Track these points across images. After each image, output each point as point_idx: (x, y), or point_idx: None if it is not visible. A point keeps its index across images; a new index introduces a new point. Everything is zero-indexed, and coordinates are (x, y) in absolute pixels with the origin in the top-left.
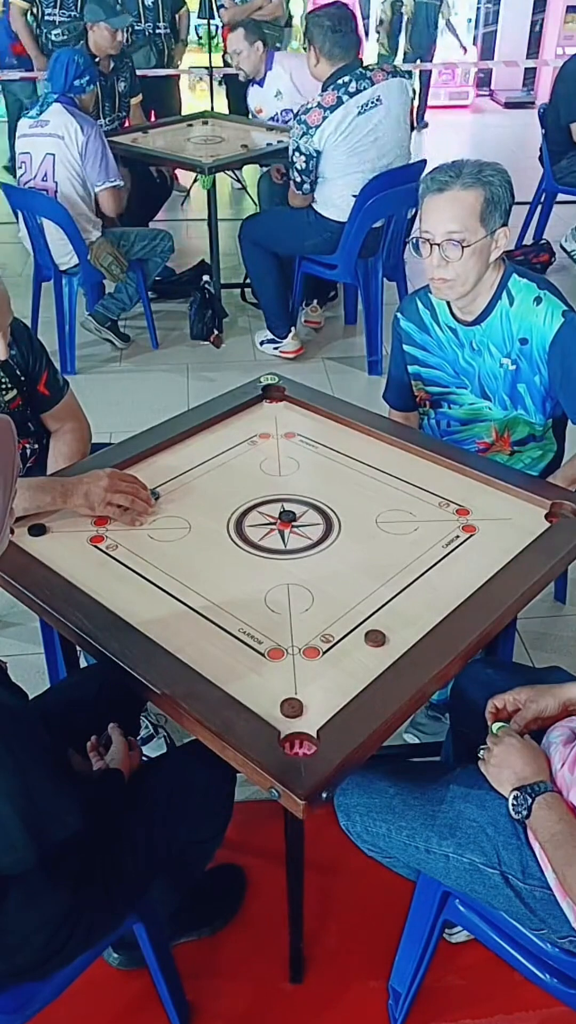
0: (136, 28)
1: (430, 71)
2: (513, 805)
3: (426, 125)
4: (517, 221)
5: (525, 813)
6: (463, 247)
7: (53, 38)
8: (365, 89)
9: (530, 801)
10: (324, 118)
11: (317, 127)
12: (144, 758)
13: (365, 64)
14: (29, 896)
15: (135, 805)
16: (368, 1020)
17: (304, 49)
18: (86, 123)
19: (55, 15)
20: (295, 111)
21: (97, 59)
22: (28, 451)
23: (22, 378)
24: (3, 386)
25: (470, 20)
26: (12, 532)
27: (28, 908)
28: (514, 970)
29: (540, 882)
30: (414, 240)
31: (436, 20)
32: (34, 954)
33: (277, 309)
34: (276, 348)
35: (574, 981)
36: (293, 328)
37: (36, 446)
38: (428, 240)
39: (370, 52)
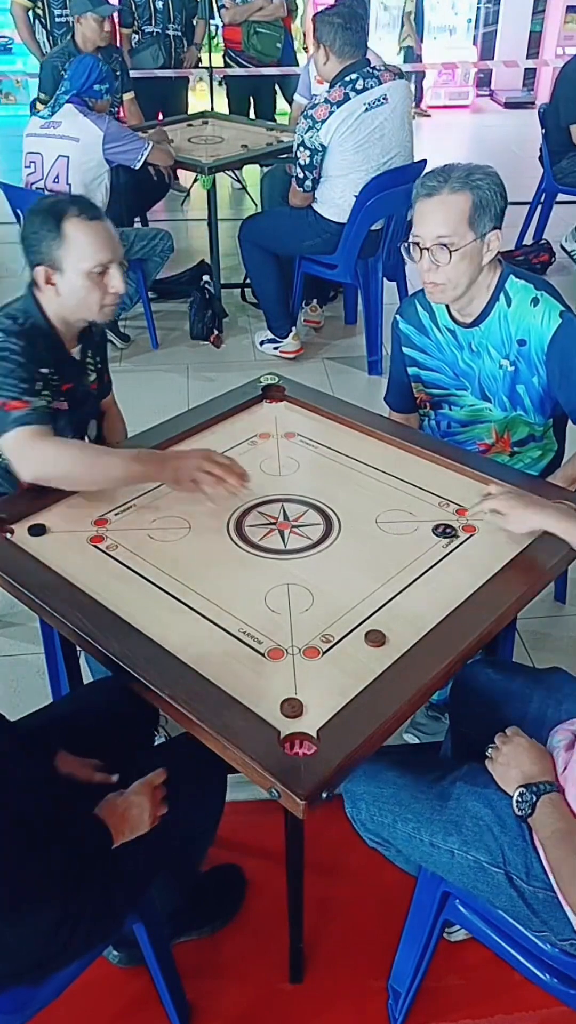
0: (146, 31)
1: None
2: (518, 802)
3: (427, 115)
4: (517, 221)
5: (528, 810)
6: (451, 251)
7: None
8: (372, 87)
9: (534, 799)
10: (330, 113)
11: (323, 121)
12: None
13: (373, 65)
14: (15, 911)
15: None
16: (368, 1020)
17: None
18: (98, 119)
19: (65, 16)
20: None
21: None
22: (93, 432)
23: (99, 365)
24: (90, 368)
25: (470, 20)
26: (12, 533)
27: (16, 923)
28: (514, 970)
29: (544, 884)
30: (406, 245)
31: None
32: (30, 959)
33: (277, 309)
34: (276, 348)
35: (574, 981)
36: (293, 328)
37: (98, 428)
38: (418, 244)
39: (383, 49)
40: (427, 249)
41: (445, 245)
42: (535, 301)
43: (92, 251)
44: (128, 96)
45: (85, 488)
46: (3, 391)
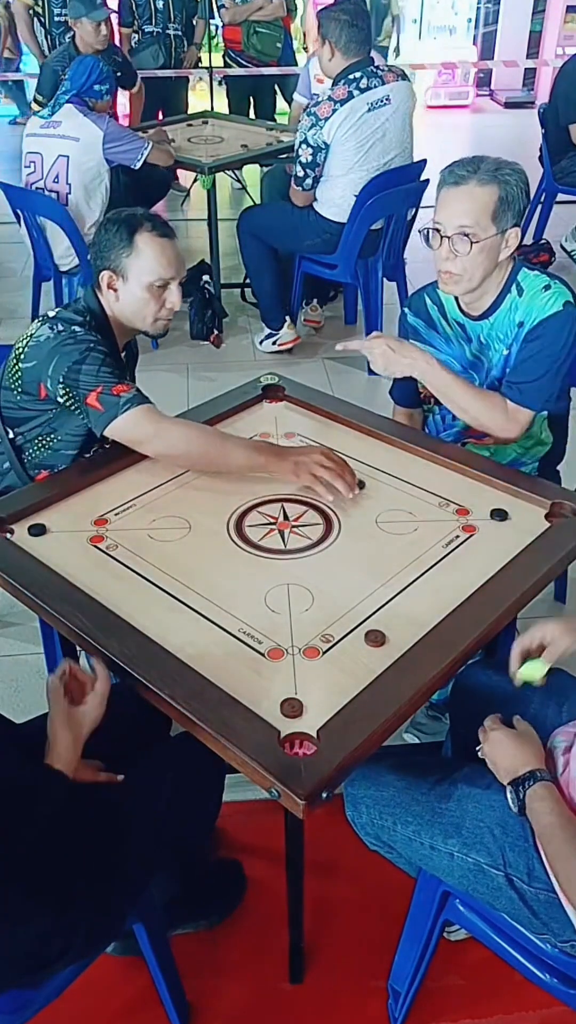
0: (146, 30)
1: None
2: (512, 800)
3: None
4: None
5: (519, 807)
6: (472, 242)
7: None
8: (376, 87)
9: (522, 794)
10: (334, 111)
11: (327, 119)
12: None
13: (377, 64)
14: (5, 917)
15: (131, 804)
16: (368, 1020)
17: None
18: (98, 119)
19: (64, 15)
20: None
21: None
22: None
23: (132, 376)
24: (127, 377)
25: (470, 20)
26: (12, 533)
27: (5, 934)
28: (514, 970)
29: (545, 885)
30: (426, 230)
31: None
32: (25, 965)
33: (272, 300)
34: (274, 341)
35: (574, 981)
36: (287, 319)
37: None
38: (439, 232)
39: None
40: (447, 237)
41: (467, 235)
42: (547, 287)
43: (158, 266)
44: (134, 89)
45: (205, 470)
46: (104, 378)
